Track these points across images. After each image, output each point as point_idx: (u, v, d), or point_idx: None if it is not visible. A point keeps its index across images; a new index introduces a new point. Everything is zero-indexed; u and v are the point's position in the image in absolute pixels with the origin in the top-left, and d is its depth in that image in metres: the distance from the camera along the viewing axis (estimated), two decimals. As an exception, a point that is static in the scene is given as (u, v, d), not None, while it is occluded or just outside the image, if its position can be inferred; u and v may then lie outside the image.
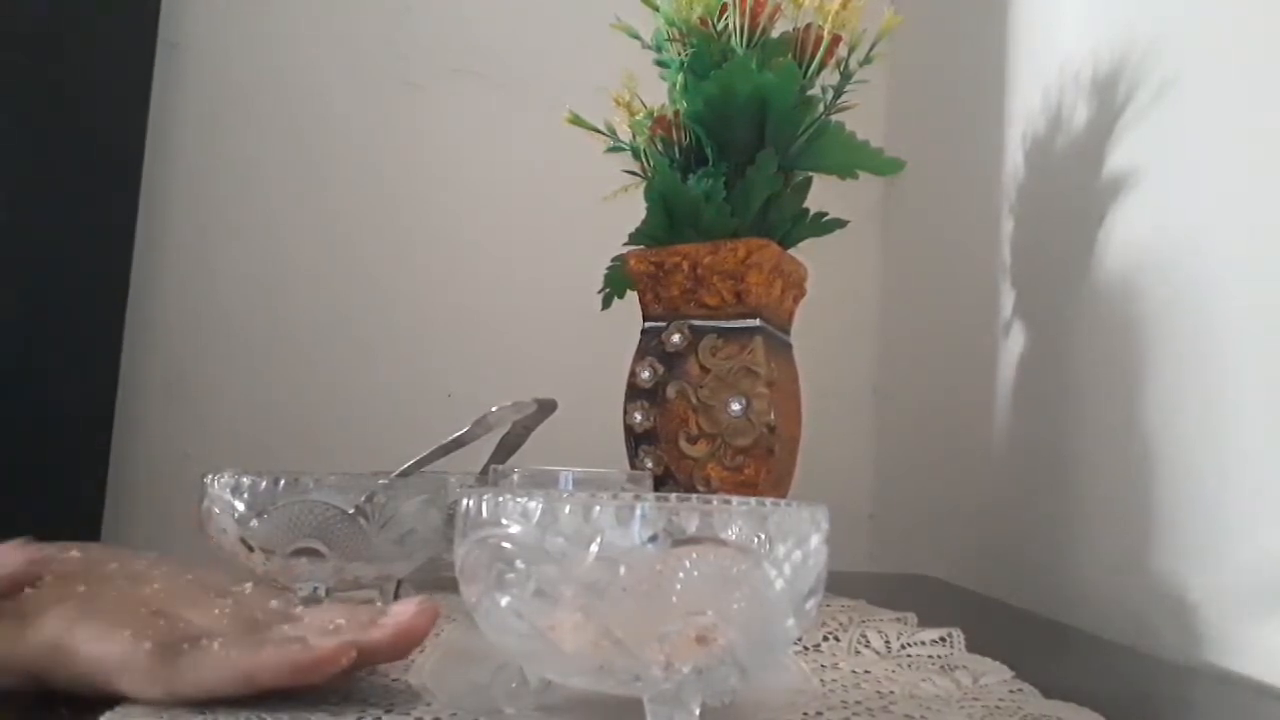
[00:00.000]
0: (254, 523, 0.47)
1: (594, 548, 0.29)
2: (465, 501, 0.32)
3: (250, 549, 0.48)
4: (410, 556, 0.51)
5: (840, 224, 0.72)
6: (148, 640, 0.33)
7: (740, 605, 0.29)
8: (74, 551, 0.39)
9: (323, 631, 0.36)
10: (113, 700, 0.33)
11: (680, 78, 0.68)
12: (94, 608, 0.35)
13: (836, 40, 0.68)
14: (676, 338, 0.66)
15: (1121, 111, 0.67)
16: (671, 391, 0.65)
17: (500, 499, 0.31)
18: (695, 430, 0.64)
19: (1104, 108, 0.69)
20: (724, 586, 0.29)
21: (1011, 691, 0.41)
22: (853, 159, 0.69)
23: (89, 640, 0.34)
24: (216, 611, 0.37)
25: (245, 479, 0.48)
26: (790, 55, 0.67)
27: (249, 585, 0.41)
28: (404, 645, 0.36)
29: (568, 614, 0.29)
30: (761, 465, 0.63)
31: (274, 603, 0.40)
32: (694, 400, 0.64)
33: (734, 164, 0.67)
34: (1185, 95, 0.62)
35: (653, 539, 0.29)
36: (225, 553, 0.49)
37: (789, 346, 0.71)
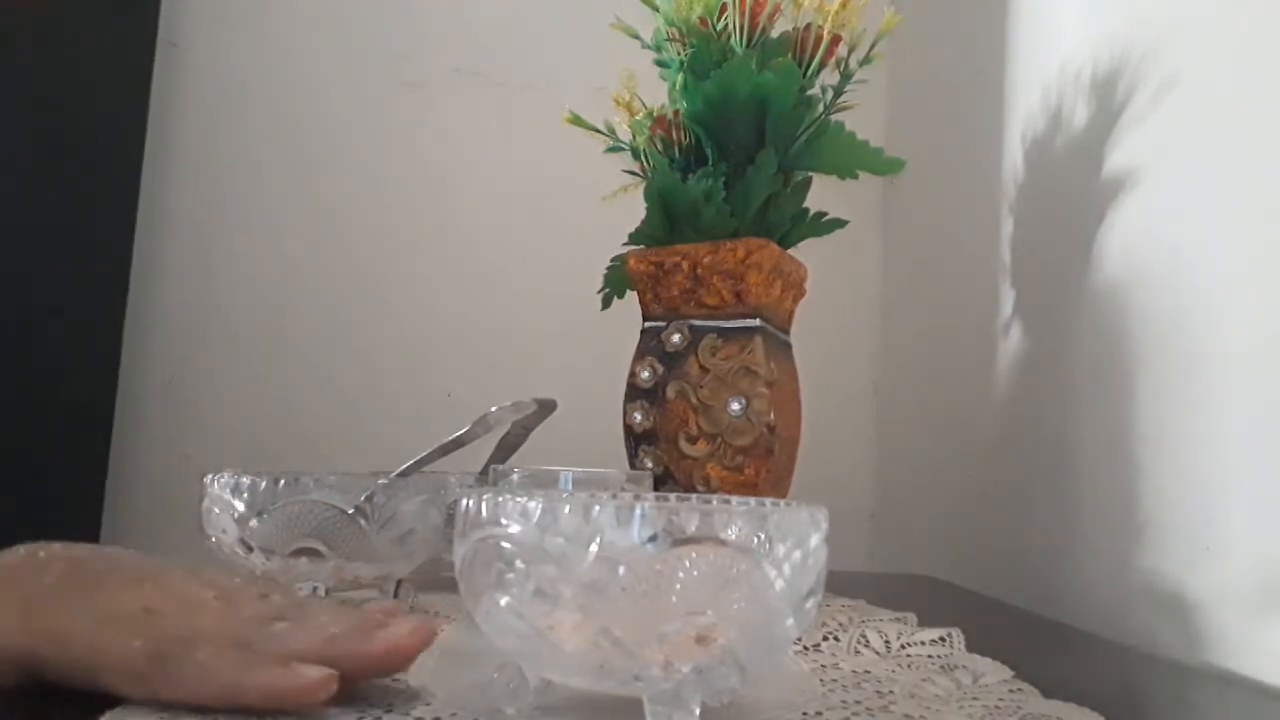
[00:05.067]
0: (254, 523, 0.47)
1: (594, 548, 0.29)
2: (465, 501, 0.32)
3: (250, 549, 0.48)
4: (410, 556, 0.51)
5: (840, 224, 0.72)
6: (137, 640, 0.34)
7: (740, 605, 0.29)
8: (77, 550, 0.39)
9: (317, 637, 0.36)
10: (113, 700, 0.33)
11: (680, 78, 0.68)
12: (88, 603, 0.35)
13: (836, 40, 0.68)
14: (676, 338, 0.66)
15: (1121, 111, 0.67)
16: (671, 391, 0.65)
17: (500, 499, 0.31)
18: (695, 430, 0.64)
19: (1104, 108, 0.69)
20: (724, 586, 0.29)
21: (1011, 691, 0.41)
22: (853, 159, 0.69)
23: (81, 635, 0.34)
24: (210, 612, 0.37)
25: (245, 479, 0.48)
26: (790, 55, 0.67)
27: (246, 581, 0.41)
28: (394, 662, 0.36)
29: (567, 614, 0.29)
30: (761, 465, 0.63)
31: (272, 599, 0.39)
32: (694, 400, 0.64)
33: (734, 164, 0.67)
34: (1185, 95, 0.62)
35: (652, 539, 0.29)
36: (225, 553, 0.49)
37: (789, 346, 0.71)
